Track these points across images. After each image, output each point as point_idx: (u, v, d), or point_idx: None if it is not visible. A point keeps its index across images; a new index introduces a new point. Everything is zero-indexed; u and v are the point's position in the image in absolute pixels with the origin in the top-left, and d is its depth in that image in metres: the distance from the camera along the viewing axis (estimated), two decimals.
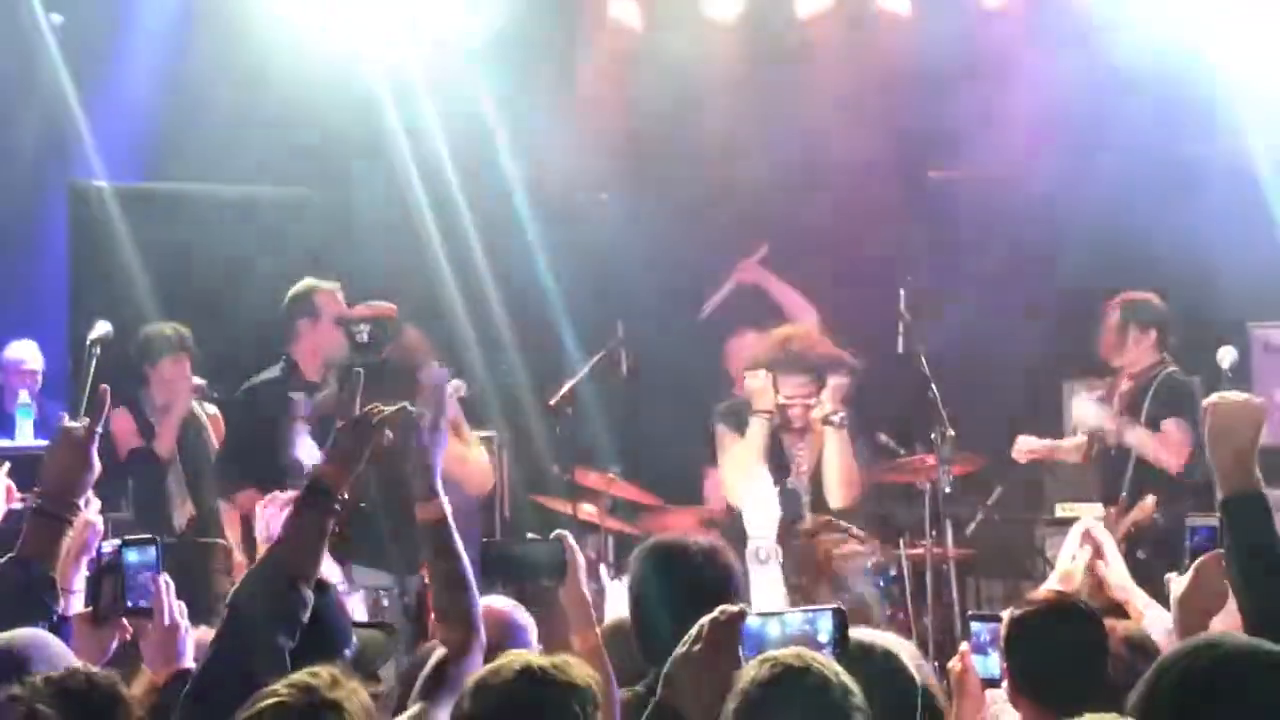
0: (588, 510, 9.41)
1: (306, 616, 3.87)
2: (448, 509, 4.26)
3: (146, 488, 8.82)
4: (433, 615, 4.39)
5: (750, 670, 3.13)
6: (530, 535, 4.81)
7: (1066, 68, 9.98)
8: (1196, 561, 4.02)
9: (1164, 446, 8.55)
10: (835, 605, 3.48)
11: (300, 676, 3.27)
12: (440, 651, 4.14)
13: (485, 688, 3.31)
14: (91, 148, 10.02)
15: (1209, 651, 2.83)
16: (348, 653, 4.38)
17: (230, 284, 9.90)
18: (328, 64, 9.87)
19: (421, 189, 10.45)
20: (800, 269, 10.36)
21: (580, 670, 3.35)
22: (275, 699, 3.22)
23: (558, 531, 4.74)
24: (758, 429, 8.06)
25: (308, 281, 8.48)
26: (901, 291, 9.35)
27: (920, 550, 9.16)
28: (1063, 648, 4.43)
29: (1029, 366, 10.43)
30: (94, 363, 7.52)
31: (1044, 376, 10.49)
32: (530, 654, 3.44)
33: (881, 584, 8.14)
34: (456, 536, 4.26)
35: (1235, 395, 3.93)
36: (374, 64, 10.16)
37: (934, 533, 9.11)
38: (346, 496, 4.05)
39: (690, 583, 4.47)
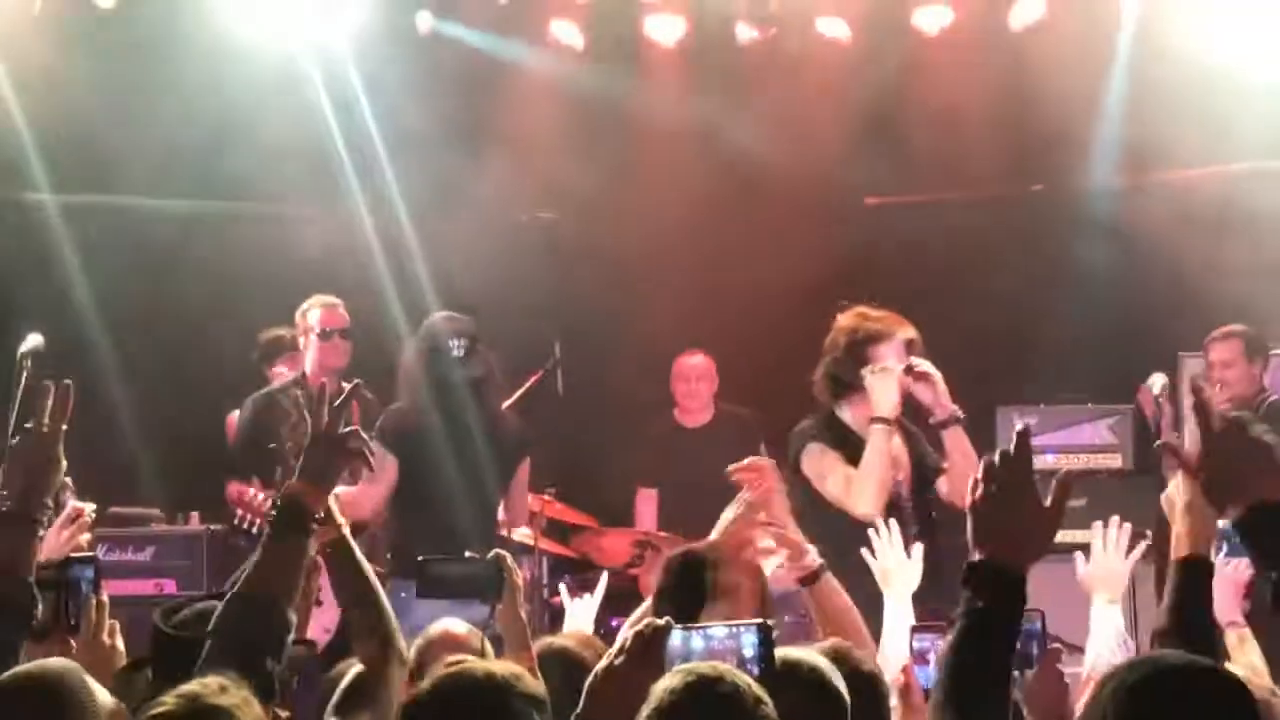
0: (523, 532, 9.37)
1: (291, 639, 3.83)
2: (346, 529, 4.23)
3: None
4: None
5: (664, 680, 3.14)
6: (468, 554, 4.79)
7: (1003, 94, 10.09)
8: (1040, 664, 4.09)
9: None
10: (760, 620, 3.48)
11: (189, 686, 3.26)
12: (357, 668, 4.11)
13: (447, 689, 3.32)
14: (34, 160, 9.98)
15: (1145, 665, 2.90)
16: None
17: (174, 298, 9.91)
18: (270, 78, 9.85)
19: (364, 205, 10.46)
20: (735, 291, 10.40)
21: (538, 684, 3.36)
22: (161, 708, 3.21)
23: (496, 551, 4.73)
24: (880, 443, 6.78)
25: (310, 300, 8.57)
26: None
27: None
28: None
29: (963, 391, 10.46)
30: (24, 375, 7.45)
31: (978, 401, 10.52)
32: (492, 663, 3.45)
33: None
34: (360, 554, 4.24)
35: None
36: (317, 79, 10.16)
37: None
38: (323, 515, 4.00)
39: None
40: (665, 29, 10.38)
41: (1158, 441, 4.07)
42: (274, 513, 3.98)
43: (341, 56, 10.19)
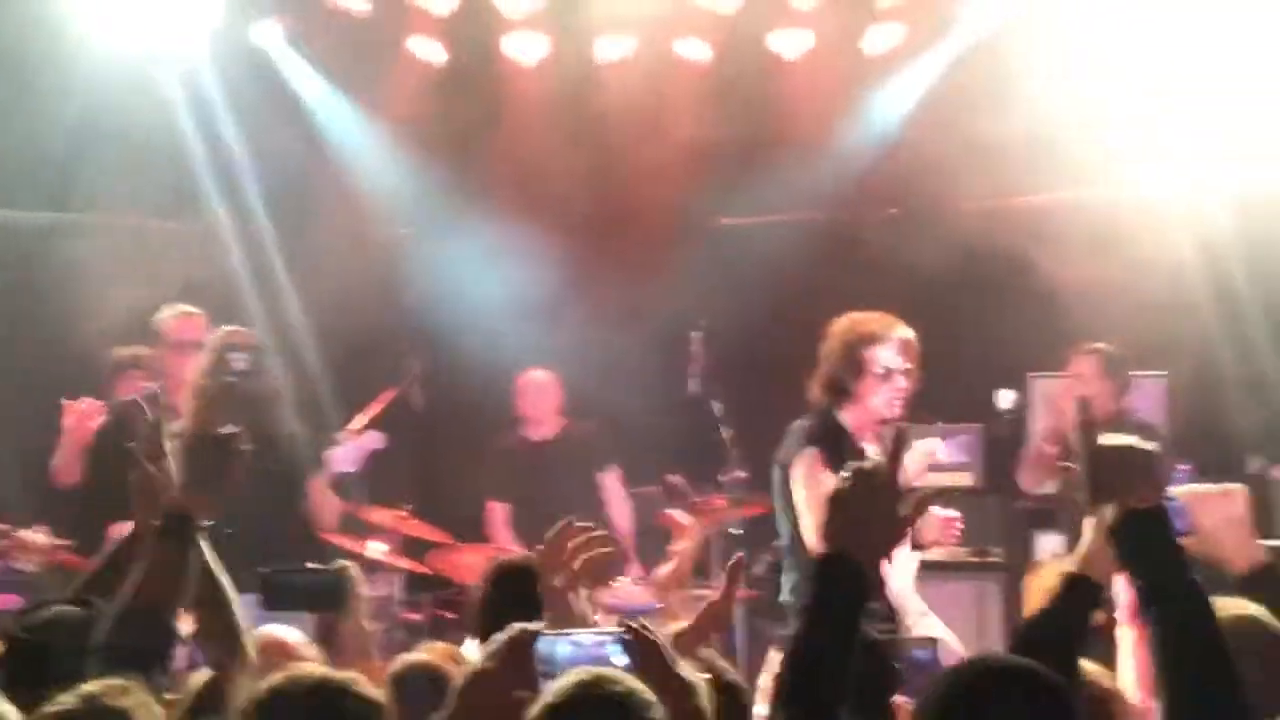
0: (378, 549, 9.32)
1: (176, 653, 3.80)
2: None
3: None
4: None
5: (559, 681, 3.17)
6: (311, 565, 4.78)
7: (860, 117, 10.23)
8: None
9: None
10: (630, 626, 3.51)
11: (88, 687, 3.24)
12: (203, 675, 4.09)
13: (281, 695, 3.31)
14: None
15: (972, 666, 2.98)
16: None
17: (31, 310, 9.81)
18: (128, 87, 9.75)
19: (226, 216, 10.39)
20: (592, 310, 10.44)
21: (371, 688, 3.36)
22: (58, 708, 3.19)
23: (340, 562, 4.73)
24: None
25: (164, 310, 8.46)
26: (693, 334, 9.47)
27: (708, 592, 9.26)
28: None
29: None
30: None
31: None
32: (325, 669, 3.44)
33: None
34: (212, 555, 4.20)
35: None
36: (175, 89, 10.09)
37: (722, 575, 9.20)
38: (210, 524, 3.94)
39: None
40: (526, 47, 10.40)
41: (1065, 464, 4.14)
42: (159, 523, 3.90)
43: (200, 66, 10.11)
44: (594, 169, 10.35)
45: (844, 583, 3.26)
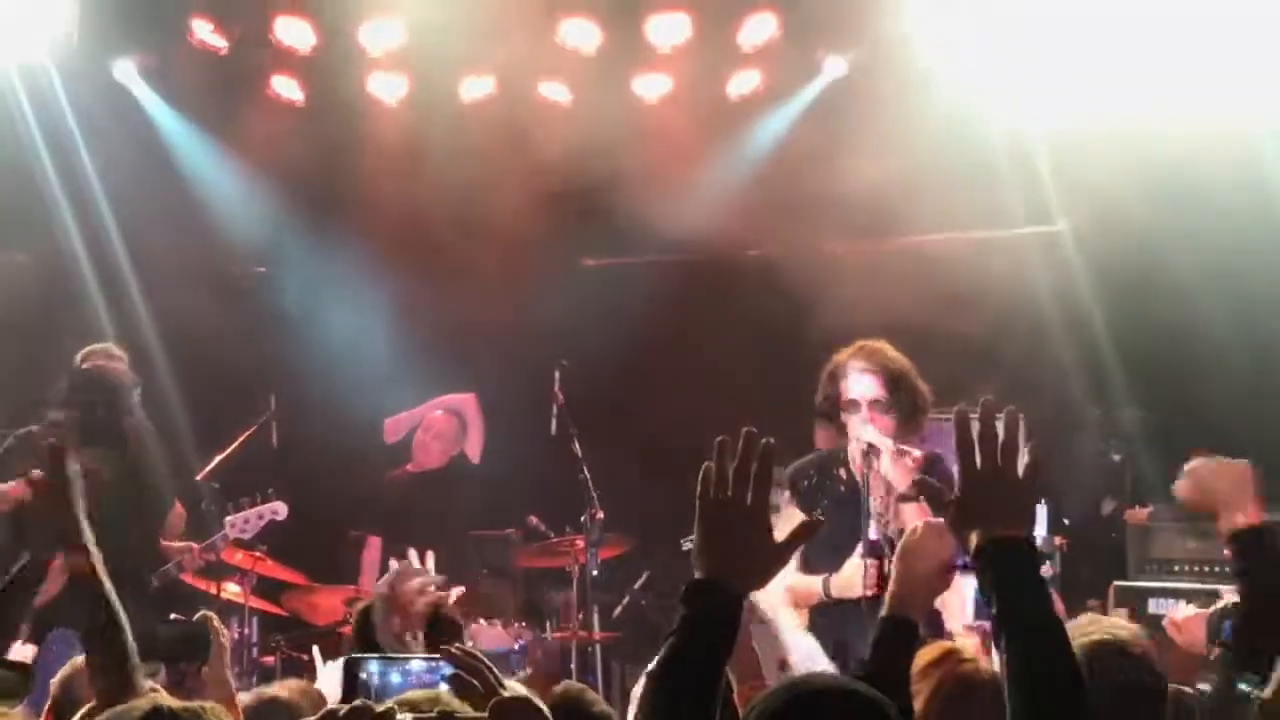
0: (232, 590, 9.22)
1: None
2: (98, 560, 4.14)
3: None
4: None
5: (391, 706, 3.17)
6: (174, 615, 4.73)
7: (720, 160, 10.30)
8: None
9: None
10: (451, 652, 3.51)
11: None
12: (86, 708, 4.03)
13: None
14: None
15: (790, 689, 3.02)
16: None
17: None
18: None
19: (82, 250, 10.25)
20: (453, 351, 10.41)
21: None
22: None
23: (203, 612, 4.68)
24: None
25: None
26: (556, 374, 9.48)
27: (567, 633, 9.27)
28: None
29: (677, 450, 10.58)
30: None
31: (690, 460, 10.63)
32: (162, 696, 3.37)
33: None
34: (109, 587, 4.15)
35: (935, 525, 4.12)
36: (29, 115, 9.94)
37: (581, 615, 9.22)
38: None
39: None
40: (387, 87, 10.35)
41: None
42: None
43: (57, 101, 9.97)
44: (456, 209, 10.32)
45: (712, 605, 3.26)
